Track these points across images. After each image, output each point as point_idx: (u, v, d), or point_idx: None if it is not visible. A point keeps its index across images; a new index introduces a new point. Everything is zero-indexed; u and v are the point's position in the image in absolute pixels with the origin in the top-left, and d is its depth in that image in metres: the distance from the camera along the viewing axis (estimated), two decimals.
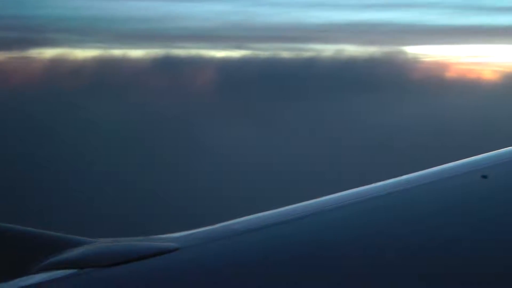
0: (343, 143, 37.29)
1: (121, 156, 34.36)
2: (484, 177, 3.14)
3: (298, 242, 2.51)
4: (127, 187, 28.45)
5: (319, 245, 2.49)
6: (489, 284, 2.24)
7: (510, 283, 2.26)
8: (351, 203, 2.88)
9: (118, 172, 31.10)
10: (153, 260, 2.28)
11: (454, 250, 2.46)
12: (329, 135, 39.56)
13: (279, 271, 2.29)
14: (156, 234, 2.61)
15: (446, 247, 2.47)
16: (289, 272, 2.28)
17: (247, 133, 39.67)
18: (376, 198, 2.94)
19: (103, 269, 2.20)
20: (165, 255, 2.32)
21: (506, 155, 3.51)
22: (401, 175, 3.27)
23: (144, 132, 40.61)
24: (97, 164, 32.49)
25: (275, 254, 2.41)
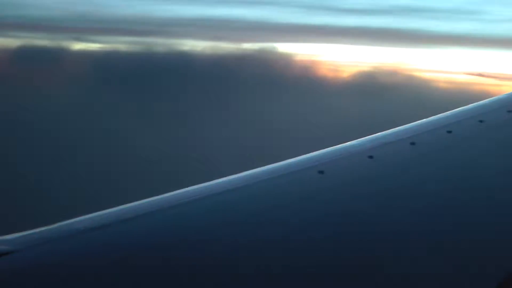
0: (202, 142, 37.51)
1: None
2: (321, 172, 3.26)
3: (140, 240, 2.50)
4: None
5: (161, 243, 2.49)
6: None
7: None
8: (197, 199, 2.89)
9: None
10: None
11: (291, 246, 2.55)
12: (186, 133, 39.58)
13: (120, 271, 2.26)
14: None
15: (286, 245, 2.56)
16: (132, 271, 2.26)
17: (88, 127, 38.81)
18: (218, 195, 2.97)
19: None
20: None
21: (341, 150, 3.67)
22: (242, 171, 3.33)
23: None
24: None
25: (116, 253, 2.37)
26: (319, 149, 3.77)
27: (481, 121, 4.40)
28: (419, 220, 2.88)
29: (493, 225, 2.90)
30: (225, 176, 3.19)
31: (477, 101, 5.04)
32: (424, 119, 4.47)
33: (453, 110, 4.75)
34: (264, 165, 3.41)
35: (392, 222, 2.85)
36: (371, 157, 3.54)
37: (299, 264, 2.40)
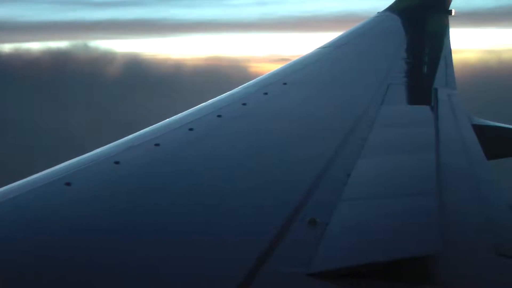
0: None
1: None
2: (68, 184, 3.27)
3: None
4: None
5: None
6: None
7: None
8: None
9: None
10: None
11: (42, 261, 2.55)
12: None
13: None
14: None
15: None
16: None
17: None
18: None
19: None
20: None
21: (88, 159, 3.70)
22: None
23: None
24: None
25: None
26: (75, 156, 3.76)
27: (219, 116, 4.71)
28: (170, 220, 2.99)
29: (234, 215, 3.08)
30: None
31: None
32: (167, 119, 4.66)
33: (194, 108, 5.01)
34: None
35: (140, 229, 2.88)
36: (117, 162, 3.62)
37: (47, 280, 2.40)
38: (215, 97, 5.36)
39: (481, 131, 5.17)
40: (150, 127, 4.46)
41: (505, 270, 2.64)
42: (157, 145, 3.97)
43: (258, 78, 6.24)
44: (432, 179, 3.39)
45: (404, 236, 2.74)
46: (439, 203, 3.01)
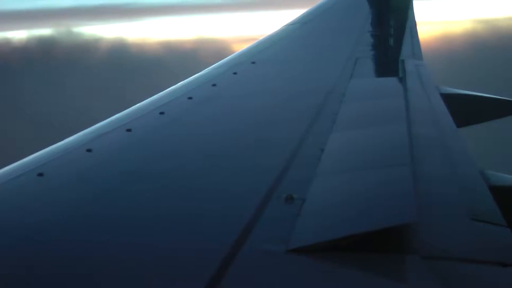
0: None
1: None
2: (40, 175, 3.24)
3: None
4: None
5: None
6: None
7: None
8: None
9: None
10: None
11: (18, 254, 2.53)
12: None
13: None
14: None
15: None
16: None
17: None
18: None
19: None
20: None
21: (60, 148, 3.67)
22: None
23: None
24: None
25: None
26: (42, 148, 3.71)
27: (190, 98, 4.69)
28: (145, 205, 2.98)
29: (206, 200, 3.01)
30: None
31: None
32: (138, 104, 4.63)
33: (164, 91, 4.99)
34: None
35: (116, 216, 2.85)
36: (89, 150, 3.59)
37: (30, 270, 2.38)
38: (187, 78, 5.35)
39: (449, 99, 5.24)
40: (122, 112, 4.42)
41: (479, 234, 2.69)
42: (128, 130, 3.95)
43: (227, 58, 6.23)
44: (404, 149, 3.42)
45: (380, 207, 2.77)
46: (413, 173, 3.05)
